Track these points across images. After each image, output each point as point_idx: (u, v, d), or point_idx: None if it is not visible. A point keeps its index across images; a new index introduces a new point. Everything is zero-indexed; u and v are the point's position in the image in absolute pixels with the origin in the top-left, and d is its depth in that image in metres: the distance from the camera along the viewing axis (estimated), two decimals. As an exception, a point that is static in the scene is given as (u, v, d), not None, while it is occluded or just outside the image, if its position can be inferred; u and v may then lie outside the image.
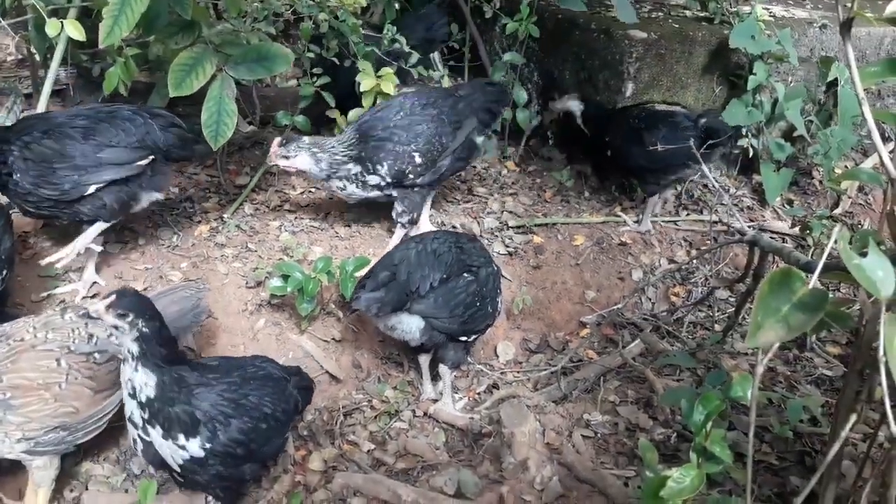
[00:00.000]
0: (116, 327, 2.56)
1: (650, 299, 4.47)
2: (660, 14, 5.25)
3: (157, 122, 3.61)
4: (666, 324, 4.25)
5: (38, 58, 4.04)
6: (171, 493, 3.01)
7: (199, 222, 4.15)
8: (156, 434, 2.63)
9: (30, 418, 2.72)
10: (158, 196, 3.71)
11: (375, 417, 3.58)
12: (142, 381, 2.60)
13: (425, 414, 3.62)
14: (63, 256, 3.54)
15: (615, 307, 4.30)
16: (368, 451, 3.40)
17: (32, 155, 3.37)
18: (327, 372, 3.67)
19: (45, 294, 3.60)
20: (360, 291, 3.30)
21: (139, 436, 2.68)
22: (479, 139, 4.25)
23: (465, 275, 3.44)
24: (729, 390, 2.57)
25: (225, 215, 4.21)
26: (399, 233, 4.12)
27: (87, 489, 3.04)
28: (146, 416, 2.63)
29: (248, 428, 2.73)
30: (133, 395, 2.63)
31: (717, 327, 4.24)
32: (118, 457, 3.17)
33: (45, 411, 2.74)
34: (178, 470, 2.70)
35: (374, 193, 4.08)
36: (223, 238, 4.06)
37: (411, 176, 4.02)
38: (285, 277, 3.59)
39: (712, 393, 2.51)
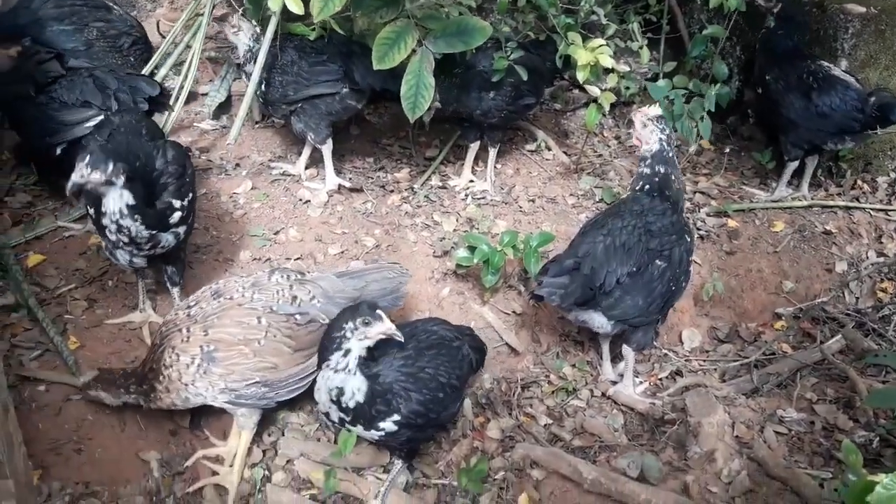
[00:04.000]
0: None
1: (854, 294, 4.14)
2: (882, -14, 4.81)
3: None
4: (872, 321, 3.92)
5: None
6: (359, 444, 3.15)
7: (392, 191, 4.30)
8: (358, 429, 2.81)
9: (231, 370, 2.90)
10: None
11: (553, 392, 3.58)
12: (354, 386, 2.72)
13: (604, 395, 3.57)
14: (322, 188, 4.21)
15: (816, 300, 4.03)
16: (545, 425, 3.41)
17: None
18: (507, 343, 3.71)
19: (251, 254, 3.86)
20: (543, 277, 3.23)
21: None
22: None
23: (658, 262, 3.27)
24: (952, 397, 2.36)
25: (415, 186, 4.34)
26: None
27: (283, 435, 3.25)
28: (348, 419, 2.78)
29: (426, 399, 2.82)
30: (336, 402, 2.75)
31: (931, 329, 3.87)
32: (312, 408, 3.36)
33: (245, 364, 2.91)
34: (374, 442, 2.90)
35: None
36: (413, 207, 4.19)
37: None
38: (472, 249, 3.65)
39: (930, 398, 2.31)
